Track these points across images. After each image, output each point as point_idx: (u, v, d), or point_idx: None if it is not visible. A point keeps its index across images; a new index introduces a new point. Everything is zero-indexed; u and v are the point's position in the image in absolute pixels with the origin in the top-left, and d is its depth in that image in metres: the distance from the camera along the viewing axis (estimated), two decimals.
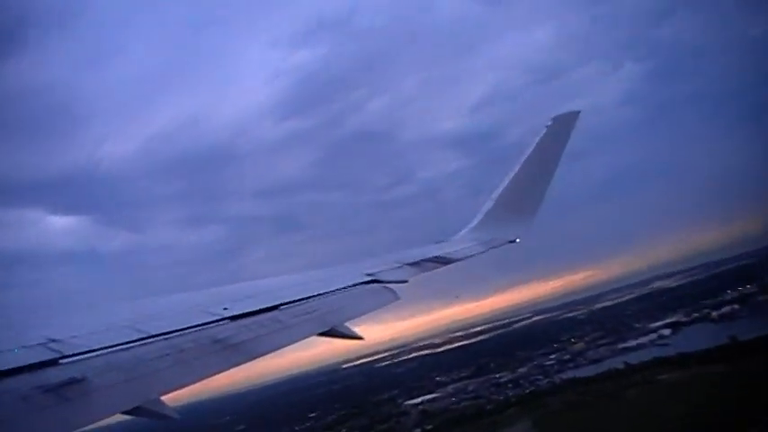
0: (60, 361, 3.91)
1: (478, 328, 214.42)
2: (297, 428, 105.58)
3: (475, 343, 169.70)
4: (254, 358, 4.95)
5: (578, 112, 12.06)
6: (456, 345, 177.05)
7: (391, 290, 7.41)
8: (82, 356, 4.05)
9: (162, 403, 4.02)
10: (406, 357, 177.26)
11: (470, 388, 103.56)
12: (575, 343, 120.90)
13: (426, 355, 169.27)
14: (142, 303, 6.01)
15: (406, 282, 7.83)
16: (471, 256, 9.93)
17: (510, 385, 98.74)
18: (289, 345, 5.41)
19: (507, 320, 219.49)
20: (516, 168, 11.91)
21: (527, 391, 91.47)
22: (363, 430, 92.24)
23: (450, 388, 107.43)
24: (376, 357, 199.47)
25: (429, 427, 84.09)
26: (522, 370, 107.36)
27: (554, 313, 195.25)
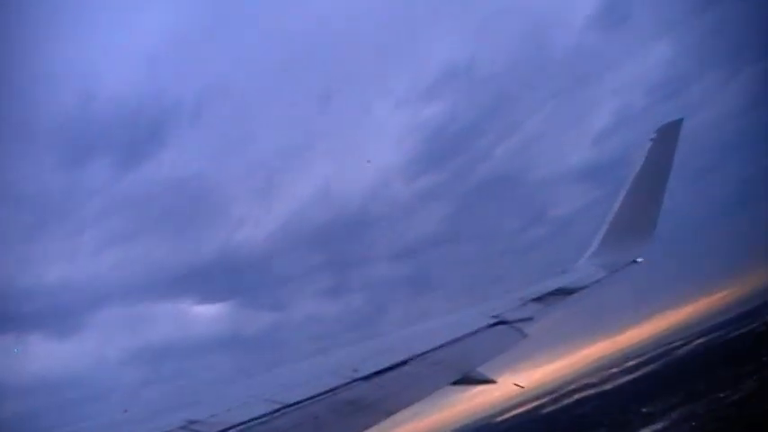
0: None
1: (633, 362, 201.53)
2: None
3: (646, 374, 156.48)
4: (390, 415, 4.82)
5: (681, 119, 11.40)
6: (623, 380, 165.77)
7: (518, 329, 7.16)
8: None
9: None
10: (571, 400, 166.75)
11: (700, 411, 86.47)
12: None
13: (596, 393, 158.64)
14: (275, 373, 6.03)
15: (531, 319, 7.53)
16: (595, 282, 9.45)
17: (752, 401, 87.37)
18: (423, 397, 5.24)
19: (663, 349, 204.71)
20: (626, 187, 11.28)
21: None
22: None
23: (673, 415, 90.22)
24: (533, 405, 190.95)
25: None
26: (749, 386, 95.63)
27: (718, 332, 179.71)
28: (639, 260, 10.11)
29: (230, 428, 4.16)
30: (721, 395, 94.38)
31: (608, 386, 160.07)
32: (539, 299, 8.38)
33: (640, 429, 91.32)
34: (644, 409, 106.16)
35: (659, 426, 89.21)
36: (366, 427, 4.58)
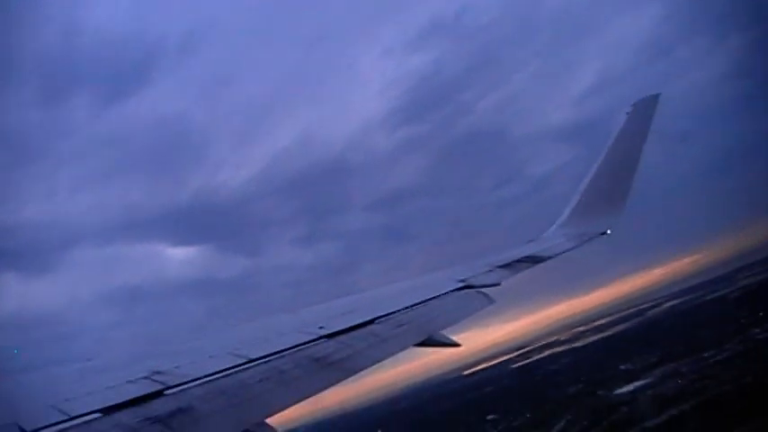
0: (165, 392, 3.95)
1: (602, 321, 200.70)
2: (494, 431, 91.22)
3: (618, 333, 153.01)
4: (355, 373, 4.91)
5: (658, 95, 11.47)
6: (594, 338, 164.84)
7: (485, 294, 7.24)
8: (186, 386, 4.08)
9: (268, 425, 4.02)
10: (541, 356, 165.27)
11: (683, 370, 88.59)
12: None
13: (567, 350, 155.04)
14: (241, 328, 6.07)
15: (498, 285, 7.62)
16: (563, 252, 9.58)
17: (738, 362, 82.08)
18: (387, 357, 5.34)
19: (633, 310, 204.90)
20: (600, 159, 11.43)
21: None
22: (593, 422, 78.75)
23: (656, 372, 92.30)
24: (501, 360, 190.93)
25: (685, 407, 71.39)
26: (733, 347, 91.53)
27: (690, 296, 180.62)
28: (608, 232, 10.29)
29: (194, 380, 4.19)
30: (705, 355, 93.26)
31: (578, 344, 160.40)
32: (506, 265, 8.50)
33: (623, 386, 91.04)
34: (622, 367, 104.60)
35: (642, 383, 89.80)
36: (331, 384, 4.64)
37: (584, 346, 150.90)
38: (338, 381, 4.75)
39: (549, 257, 9.23)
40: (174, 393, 3.98)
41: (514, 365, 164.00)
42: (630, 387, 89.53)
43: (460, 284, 7.44)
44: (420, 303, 6.73)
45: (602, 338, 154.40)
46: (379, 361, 5.25)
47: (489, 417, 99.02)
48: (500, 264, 8.54)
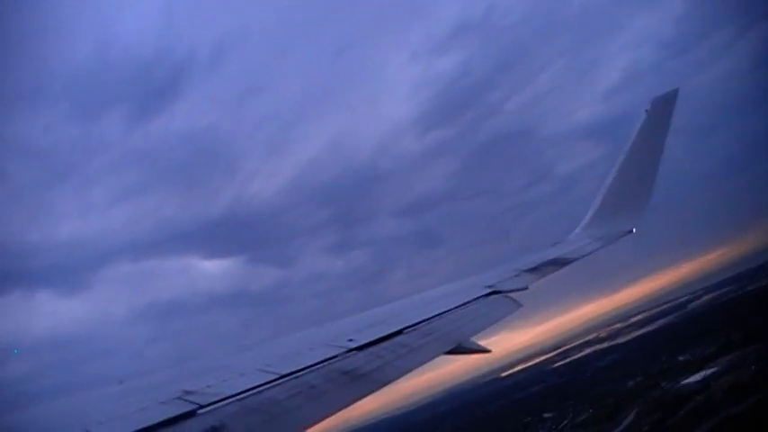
0: (198, 412, 3.91)
1: (639, 317, 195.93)
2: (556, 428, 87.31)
3: (662, 327, 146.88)
4: (385, 385, 4.87)
5: (677, 90, 11.22)
6: (636, 333, 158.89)
7: (512, 299, 7.20)
8: (218, 404, 4.05)
9: None
10: (581, 354, 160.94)
11: (752, 357, 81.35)
12: None
13: (611, 347, 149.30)
14: (272, 344, 6.06)
15: (526, 289, 7.58)
16: (589, 253, 9.47)
17: None
18: (417, 367, 5.30)
19: (670, 304, 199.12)
20: (621, 158, 11.29)
21: None
22: (666, 414, 73.02)
23: (721, 361, 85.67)
24: (539, 360, 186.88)
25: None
26: None
27: (727, 287, 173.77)
28: (633, 231, 10.18)
29: (226, 399, 4.16)
30: None
31: (621, 340, 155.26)
32: (533, 269, 8.45)
33: (689, 376, 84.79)
34: (680, 358, 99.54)
35: (710, 372, 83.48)
36: (361, 397, 4.61)
37: (627, 342, 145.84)
38: (369, 393, 4.72)
39: (575, 260, 9.16)
40: (205, 413, 3.96)
41: (555, 365, 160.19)
42: (698, 377, 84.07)
43: (488, 290, 7.40)
44: (448, 311, 6.70)
45: (646, 333, 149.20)
46: (409, 371, 5.21)
47: (546, 415, 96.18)
48: (526, 268, 8.49)
